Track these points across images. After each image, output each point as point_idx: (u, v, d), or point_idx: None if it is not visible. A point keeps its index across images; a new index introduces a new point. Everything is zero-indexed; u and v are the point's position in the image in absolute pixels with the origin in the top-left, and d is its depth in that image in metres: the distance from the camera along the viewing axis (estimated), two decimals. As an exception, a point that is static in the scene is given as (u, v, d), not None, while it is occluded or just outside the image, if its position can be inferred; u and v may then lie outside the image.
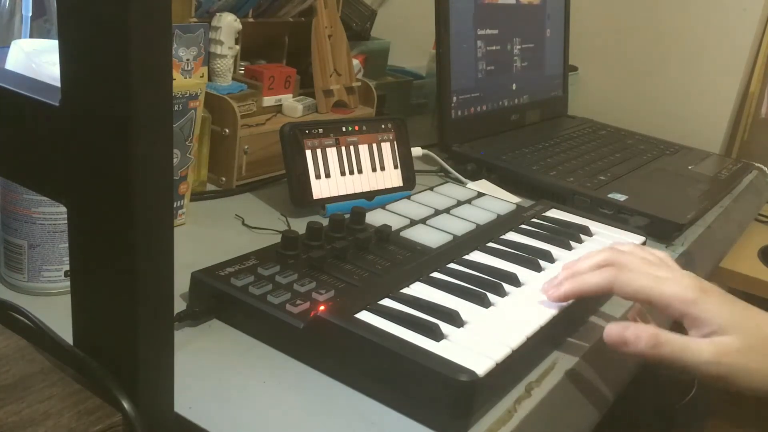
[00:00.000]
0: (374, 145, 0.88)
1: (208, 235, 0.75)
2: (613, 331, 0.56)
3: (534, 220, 0.81)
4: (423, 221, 0.77)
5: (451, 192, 0.87)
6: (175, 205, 0.74)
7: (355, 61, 1.06)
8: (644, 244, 0.81)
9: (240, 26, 0.88)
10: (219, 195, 0.85)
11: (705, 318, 0.55)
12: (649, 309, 0.62)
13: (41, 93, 0.40)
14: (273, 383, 0.53)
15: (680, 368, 0.55)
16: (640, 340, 0.55)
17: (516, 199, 0.96)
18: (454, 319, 0.56)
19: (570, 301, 0.63)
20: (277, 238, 0.66)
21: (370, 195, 0.87)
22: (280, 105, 0.95)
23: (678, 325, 0.58)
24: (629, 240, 0.79)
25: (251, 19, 0.93)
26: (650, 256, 0.63)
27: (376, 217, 0.75)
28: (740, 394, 0.55)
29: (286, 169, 0.81)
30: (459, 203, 0.84)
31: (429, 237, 0.72)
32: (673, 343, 0.55)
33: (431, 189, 0.88)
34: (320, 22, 0.97)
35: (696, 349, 0.54)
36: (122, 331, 0.41)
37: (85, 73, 0.37)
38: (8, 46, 0.57)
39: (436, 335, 0.53)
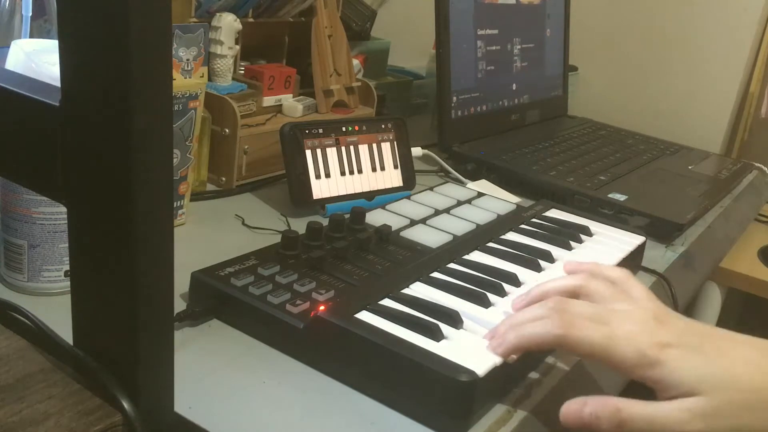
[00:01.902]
0: (374, 145, 0.88)
1: (208, 235, 0.75)
2: (570, 411, 0.50)
3: (534, 220, 0.81)
4: (423, 221, 0.77)
5: (451, 192, 0.87)
6: (175, 205, 0.74)
7: (355, 61, 1.06)
8: (644, 244, 0.81)
9: (240, 26, 0.88)
10: (219, 195, 0.85)
11: (669, 381, 0.48)
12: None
13: (41, 93, 0.40)
14: (273, 383, 0.53)
15: None
16: (600, 421, 0.48)
17: (516, 199, 0.96)
18: (454, 319, 0.56)
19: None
20: (277, 238, 0.66)
21: (370, 195, 0.87)
22: (280, 105, 0.95)
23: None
24: (629, 240, 0.79)
25: (251, 19, 0.93)
26: (612, 282, 0.57)
27: (376, 217, 0.75)
28: None
29: (286, 169, 0.81)
30: (459, 203, 0.84)
31: (429, 237, 0.72)
32: (637, 419, 0.48)
33: (431, 189, 0.88)
34: (320, 22, 0.97)
35: (663, 419, 0.48)
36: (122, 331, 0.41)
37: (85, 73, 0.37)
38: (8, 46, 0.57)
39: (436, 335, 0.53)
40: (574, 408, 0.50)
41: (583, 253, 0.74)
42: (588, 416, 0.49)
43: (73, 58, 0.38)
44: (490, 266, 0.67)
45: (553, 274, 0.68)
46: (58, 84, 0.39)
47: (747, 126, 1.57)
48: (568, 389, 0.59)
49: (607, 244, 0.77)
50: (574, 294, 0.56)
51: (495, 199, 0.87)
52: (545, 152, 1.13)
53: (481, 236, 0.74)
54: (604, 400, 0.49)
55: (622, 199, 0.95)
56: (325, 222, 0.70)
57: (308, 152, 0.82)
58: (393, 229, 0.72)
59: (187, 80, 0.72)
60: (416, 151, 1.03)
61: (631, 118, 1.50)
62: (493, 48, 1.17)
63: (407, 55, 1.44)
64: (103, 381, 0.41)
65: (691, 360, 0.49)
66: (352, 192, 0.85)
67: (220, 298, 0.58)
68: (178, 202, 0.74)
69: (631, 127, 1.40)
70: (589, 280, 0.56)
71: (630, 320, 0.51)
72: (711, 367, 0.49)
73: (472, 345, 0.53)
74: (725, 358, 0.49)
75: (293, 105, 0.95)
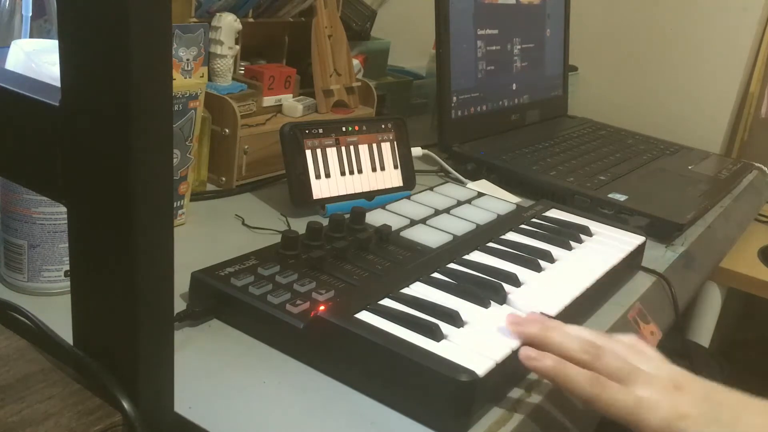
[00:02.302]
0: (374, 145, 0.88)
1: (208, 235, 0.75)
2: None
3: (534, 220, 0.81)
4: (423, 221, 0.77)
5: (451, 192, 0.87)
6: (175, 205, 0.74)
7: (355, 61, 1.06)
8: (644, 244, 0.81)
9: (240, 26, 0.88)
10: (219, 195, 0.85)
11: None
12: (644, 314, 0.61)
13: (41, 93, 0.40)
14: (273, 383, 0.53)
15: None
16: None
17: (516, 199, 0.96)
18: (454, 319, 0.56)
19: (571, 300, 0.63)
20: (277, 238, 0.66)
21: (370, 195, 0.87)
22: (280, 105, 0.95)
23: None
24: (629, 240, 0.79)
25: (251, 19, 0.93)
26: (629, 349, 0.56)
27: (376, 217, 0.75)
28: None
29: (286, 169, 0.81)
30: (459, 203, 0.84)
31: (429, 237, 0.72)
32: None
33: (431, 189, 0.88)
34: (320, 22, 0.97)
35: None
36: (122, 331, 0.41)
37: (85, 73, 0.37)
38: (8, 46, 0.57)
39: (436, 335, 0.53)
40: None
41: (583, 253, 0.74)
42: None
43: (73, 58, 0.38)
44: (490, 266, 0.67)
45: (554, 274, 0.68)
46: (58, 84, 0.39)
47: (747, 126, 1.57)
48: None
49: (607, 244, 0.77)
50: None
51: (495, 199, 0.87)
52: (545, 152, 1.13)
53: (481, 236, 0.74)
54: None
55: (622, 199, 0.95)
56: (325, 222, 0.70)
57: (308, 152, 0.82)
58: (393, 229, 0.72)
59: (187, 80, 0.72)
60: (416, 151, 1.03)
61: (631, 118, 1.50)
62: (493, 48, 1.17)
63: (407, 55, 1.44)
64: (103, 381, 0.41)
65: (712, 425, 0.51)
66: (352, 192, 0.85)
67: (220, 298, 0.58)
68: (178, 202, 0.74)
69: (631, 127, 1.40)
70: (602, 355, 0.54)
71: (654, 386, 0.53)
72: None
73: (472, 345, 0.53)
74: (739, 427, 0.52)
75: (293, 105, 0.95)
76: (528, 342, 0.55)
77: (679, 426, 0.51)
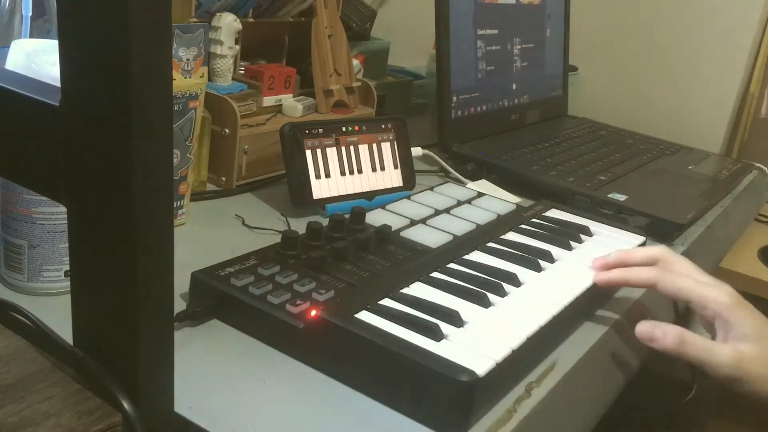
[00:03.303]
0: (374, 145, 0.88)
1: (208, 235, 0.75)
2: (644, 328, 0.62)
3: (534, 220, 0.81)
4: (423, 221, 0.77)
5: (451, 192, 0.87)
6: (175, 205, 0.74)
7: (355, 61, 1.06)
8: (644, 244, 0.81)
9: (240, 26, 0.88)
10: (219, 195, 0.85)
11: (734, 323, 0.61)
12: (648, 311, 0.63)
13: (41, 93, 0.40)
14: (273, 383, 0.53)
15: (700, 366, 0.60)
16: (666, 337, 0.60)
17: (516, 199, 0.96)
18: (454, 319, 0.56)
19: (571, 300, 0.63)
20: (277, 238, 0.66)
21: (370, 195, 0.87)
22: (280, 105, 0.95)
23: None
24: (629, 240, 0.79)
25: (251, 19, 0.93)
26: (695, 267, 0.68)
27: (376, 217, 0.75)
28: (744, 397, 0.59)
29: (286, 169, 0.81)
30: (459, 203, 0.84)
31: (429, 237, 0.72)
32: (696, 344, 0.60)
33: (431, 189, 0.88)
34: (320, 22, 0.97)
35: (717, 352, 0.60)
36: (122, 331, 0.41)
37: (85, 73, 0.37)
38: (8, 46, 0.57)
39: (436, 335, 0.53)
40: (647, 326, 0.62)
41: (583, 253, 0.74)
42: (659, 332, 0.61)
43: (73, 58, 0.38)
44: (490, 266, 0.67)
45: (554, 274, 0.68)
46: (58, 84, 0.39)
47: (747, 126, 1.57)
48: (567, 390, 0.59)
49: (607, 244, 0.77)
50: (652, 261, 0.68)
51: (495, 199, 0.87)
52: (545, 152, 1.13)
53: (481, 236, 0.74)
54: (672, 326, 0.61)
55: (622, 199, 0.95)
56: (325, 222, 0.70)
57: (308, 152, 0.82)
58: (393, 229, 0.72)
59: (187, 80, 0.72)
60: (416, 151, 1.03)
61: (631, 118, 1.50)
62: (493, 48, 1.17)
63: (407, 55, 1.44)
64: (103, 381, 0.41)
65: (757, 318, 0.62)
66: (352, 192, 0.85)
67: (220, 298, 0.58)
68: (178, 202, 0.74)
69: (631, 127, 1.40)
70: (670, 253, 0.68)
71: (714, 279, 0.65)
72: (767, 326, 0.61)
73: (472, 345, 0.53)
74: None
75: (293, 105, 0.95)
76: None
77: (734, 304, 0.62)
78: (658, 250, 0.69)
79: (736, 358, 0.59)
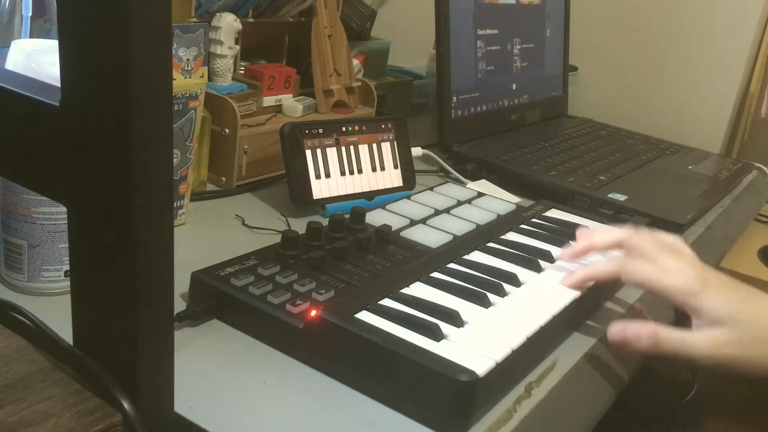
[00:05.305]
0: (374, 145, 0.88)
1: (208, 235, 0.75)
2: (615, 331, 0.60)
3: (534, 220, 0.81)
4: (423, 221, 0.77)
5: (451, 192, 0.87)
6: (175, 205, 0.74)
7: (355, 61, 1.06)
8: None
9: (240, 26, 0.88)
10: (219, 195, 0.85)
11: (704, 309, 0.58)
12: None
13: (41, 93, 0.40)
14: (273, 383, 0.53)
15: (680, 360, 0.59)
16: (640, 339, 0.59)
17: (516, 199, 0.96)
18: (454, 319, 0.56)
19: (571, 300, 0.63)
20: (277, 238, 0.66)
21: (370, 195, 0.87)
22: (280, 105, 0.95)
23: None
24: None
25: (251, 19, 0.93)
26: (662, 240, 0.65)
27: (376, 217, 0.75)
28: (742, 379, 0.59)
29: (286, 169, 0.81)
30: (459, 203, 0.84)
31: (429, 237, 0.72)
32: (671, 340, 0.59)
33: (431, 189, 0.88)
34: (320, 22, 0.97)
35: (691, 343, 0.59)
36: (122, 331, 0.41)
37: (85, 73, 0.37)
38: (8, 46, 0.57)
39: (436, 335, 0.53)
40: (618, 329, 0.60)
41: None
42: (631, 334, 0.59)
43: (73, 58, 0.38)
44: (490, 266, 0.67)
45: (554, 274, 0.68)
46: (58, 84, 0.39)
47: (747, 126, 1.57)
48: (567, 390, 0.59)
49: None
50: (618, 246, 0.66)
51: (495, 199, 0.87)
52: (545, 152, 1.13)
53: (481, 236, 0.74)
54: (645, 323, 0.59)
55: (622, 199, 0.95)
56: (325, 222, 0.70)
57: (308, 152, 0.82)
58: (393, 229, 0.72)
59: (187, 80, 0.72)
60: (416, 151, 1.03)
61: (631, 118, 1.50)
62: (493, 48, 1.17)
63: (407, 55, 1.44)
64: (103, 381, 0.41)
65: (726, 297, 0.59)
66: (352, 192, 0.85)
67: (220, 298, 0.58)
68: (178, 202, 0.74)
69: (631, 127, 1.40)
70: (633, 236, 0.65)
71: (679, 262, 0.61)
72: (740, 306, 0.58)
73: (472, 345, 0.53)
74: (754, 304, 0.59)
75: (293, 105, 0.95)
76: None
77: (701, 288, 0.58)
78: (621, 233, 0.66)
79: (711, 346, 0.58)
